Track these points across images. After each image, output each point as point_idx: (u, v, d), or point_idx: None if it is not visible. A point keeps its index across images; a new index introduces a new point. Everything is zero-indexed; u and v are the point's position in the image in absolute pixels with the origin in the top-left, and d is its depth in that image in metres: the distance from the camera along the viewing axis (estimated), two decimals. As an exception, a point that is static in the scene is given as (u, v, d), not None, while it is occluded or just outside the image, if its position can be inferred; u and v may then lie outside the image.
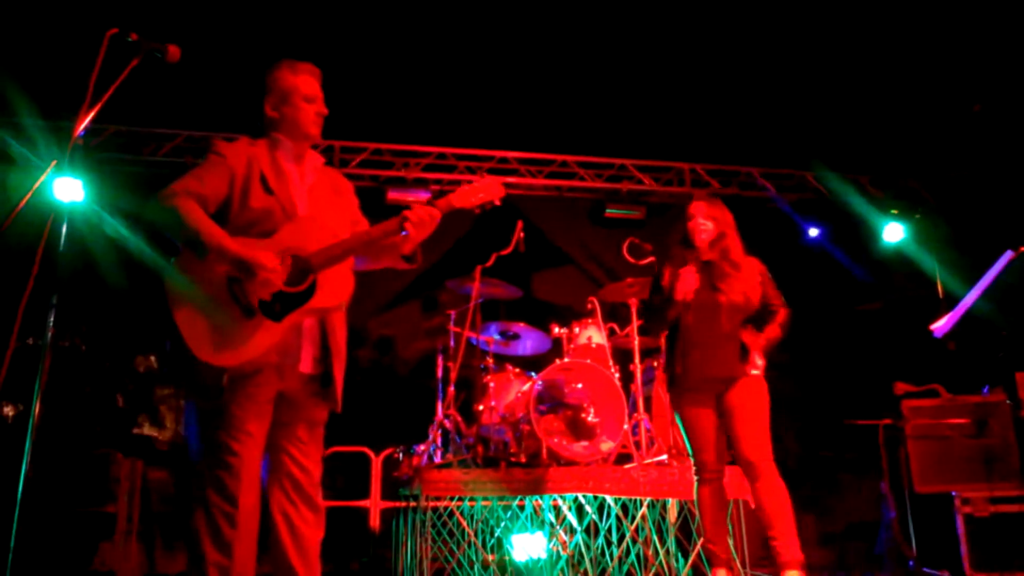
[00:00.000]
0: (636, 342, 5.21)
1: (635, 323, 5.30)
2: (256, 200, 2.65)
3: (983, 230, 6.56)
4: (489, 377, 5.25)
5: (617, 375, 5.05)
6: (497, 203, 2.94)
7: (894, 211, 7.49)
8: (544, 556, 4.93)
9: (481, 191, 2.90)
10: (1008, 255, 3.80)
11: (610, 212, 7.49)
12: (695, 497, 3.89)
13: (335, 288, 2.65)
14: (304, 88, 2.80)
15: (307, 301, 2.58)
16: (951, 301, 4.98)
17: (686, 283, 3.84)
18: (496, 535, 5.18)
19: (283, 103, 2.79)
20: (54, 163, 2.66)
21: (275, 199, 2.68)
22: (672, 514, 4.97)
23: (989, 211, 6.80)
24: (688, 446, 3.89)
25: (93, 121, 2.64)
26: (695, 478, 3.87)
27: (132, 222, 6.13)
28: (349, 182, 3.04)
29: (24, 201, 2.51)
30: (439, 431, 5.25)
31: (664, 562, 4.67)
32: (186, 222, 2.54)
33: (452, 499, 5.13)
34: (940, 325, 3.90)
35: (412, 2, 5.88)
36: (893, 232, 7.35)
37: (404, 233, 2.73)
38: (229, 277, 2.54)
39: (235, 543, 2.47)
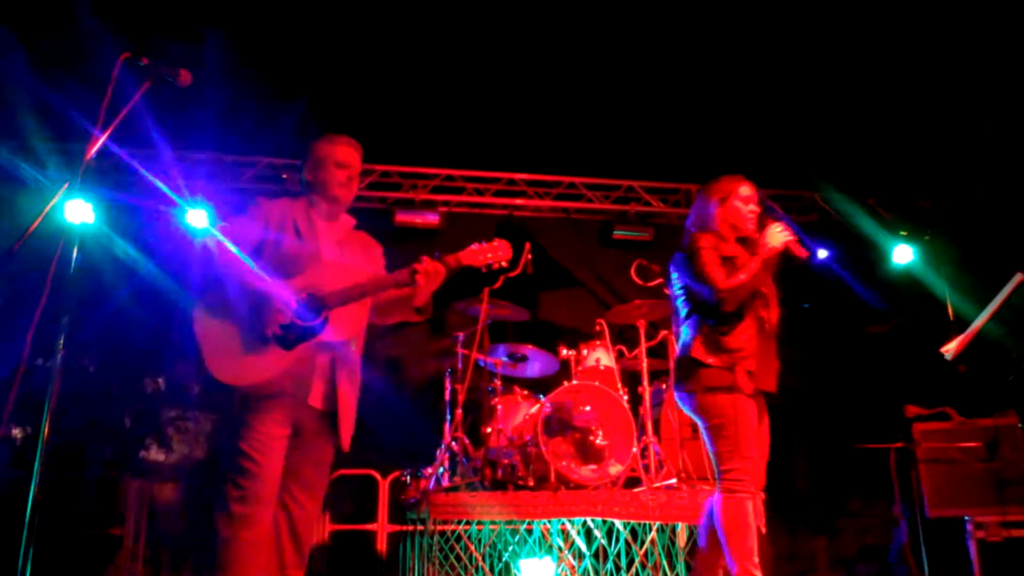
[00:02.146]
0: (644, 364, 5.20)
1: (643, 345, 5.29)
2: (286, 246, 2.96)
3: (993, 252, 6.54)
4: (497, 399, 5.23)
5: (626, 397, 5.03)
6: (504, 264, 3.15)
7: (903, 232, 7.46)
8: (552, 580, 4.89)
9: (489, 252, 3.12)
10: (1019, 277, 3.79)
11: (618, 233, 7.49)
12: (739, 514, 3.27)
13: (346, 324, 2.90)
14: (338, 156, 3.10)
15: (318, 334, 2.82)
16: (961, 324, 4.96)
17: (788, 232, 3.38)
18: (504, 559, 5.14)
19: (317, 168, 3.10)
20: (66, 186, 2.69)
21: (303, 246, 2.98)
22: (682, 539, 4.92)
23: (999, 233, 6.77)
24: (732, 452, 3.33)
25: (104, 143, 2.68)
26: (741, 493, 3.30)
27: (141, 244, 6.17)
28: (378, 245, 3.31)
29: (36, 223, 2.53)
30: (447, 454, 5.23)
31: (674, 587, 4.63)
32: (217, 259, 2.86)
33: (460, 523, 5.10)
34: (950, 348, 3.88)
35: (421, 24, 5.93)
36: (902, 254, 7.32)
37: (413, 284, 2.97)
38: (250, 308, 2.81)
39: (256, 540, 2.70)
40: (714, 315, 3.44)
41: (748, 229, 3.58)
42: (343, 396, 2.92)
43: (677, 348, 3.64)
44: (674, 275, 3.65)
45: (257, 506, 2.70)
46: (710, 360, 3.40)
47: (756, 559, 3.29)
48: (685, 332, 3.57)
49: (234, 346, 2.78)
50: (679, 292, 3.64)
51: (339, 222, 3.16)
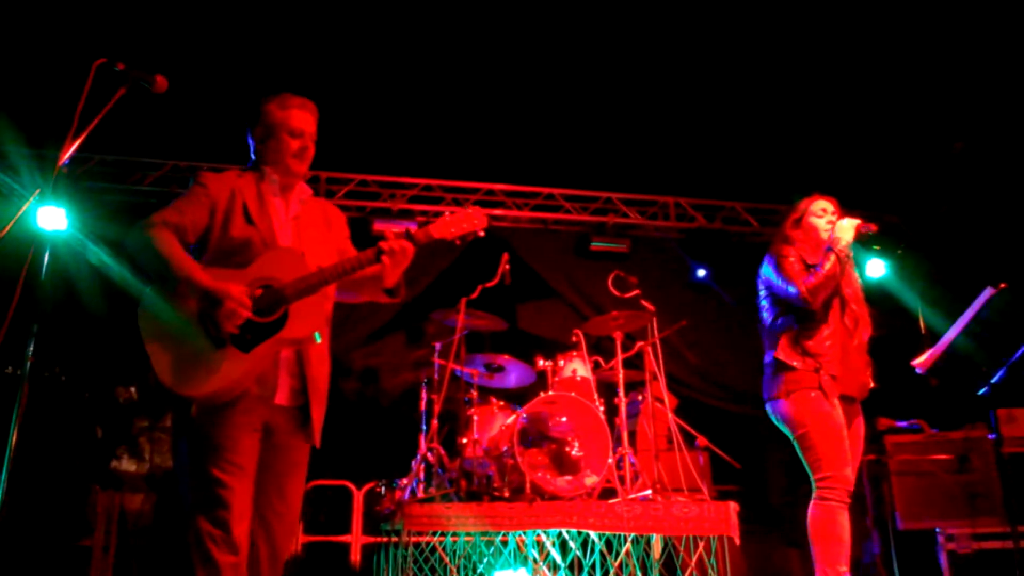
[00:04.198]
0: (621, 375, 5.21)
1: (620, 356, 5.30)
2: (236, 230, 2.66)
3: (964, 266, 6.63)
4: (473, 410, 5.22)
5: (602, 408, 5.03)
6: (480, 234, 2.87)
7: (875, 247, 7.54)
8: (527, 592, 4.88)
9: (463, 222, 2.84)
10: (988, 291, 3.85)
11: (595, 245, 7.52)
12: (830, 522, 3.36)
13: (307, 319, 2.60)
14: (292, 123, 2.79)
15: (278, 332, 2.55)
16: (933, 337, 5.01)
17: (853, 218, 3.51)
18: (479, 571, 5.11)
19: (268, 136, 2.80)
20: (38, 192, 2.66)
21: (255, 229, 2.68)
22: (656, 550, 4.92)
23: (970, 247, 6.87)
24: (820, 461, 3.41)
25: (78, 150, 2.64)
26: (832, 501, 3.38)
27: (115, 251, 6.10)
28: (341, 213, 3.04)
29: (6, 230, 2.49)
30: (422, 464, 5.20)
31: (648, 598, 4.62)
32: (158, 252, 2.56)
33: (434, 534, 5.07)
34: (922, 361, 3.93)
35: (400, 34, 5.93)
36: (875, 268, 7.39)
37: (379, 263, 2.71)
38: (200, 307, 2.52)
39: (228, 569, 2.46)
40: (798, 318, 3.54)
41: (822, 240, 3.66)
42: (313, 389, 2.67)
43: (765, 358, 3.68)
44: (760, 286, 3.74)
45: (233, 527, 2.47)
46: (795, 362, 3.49)
47: (843, 568, 3.35)
48: (771, 337, 3.64)
49: (187, 351, 2.49)
50: (764, 300, 3.72)
51: (294, 194, 2.84)
